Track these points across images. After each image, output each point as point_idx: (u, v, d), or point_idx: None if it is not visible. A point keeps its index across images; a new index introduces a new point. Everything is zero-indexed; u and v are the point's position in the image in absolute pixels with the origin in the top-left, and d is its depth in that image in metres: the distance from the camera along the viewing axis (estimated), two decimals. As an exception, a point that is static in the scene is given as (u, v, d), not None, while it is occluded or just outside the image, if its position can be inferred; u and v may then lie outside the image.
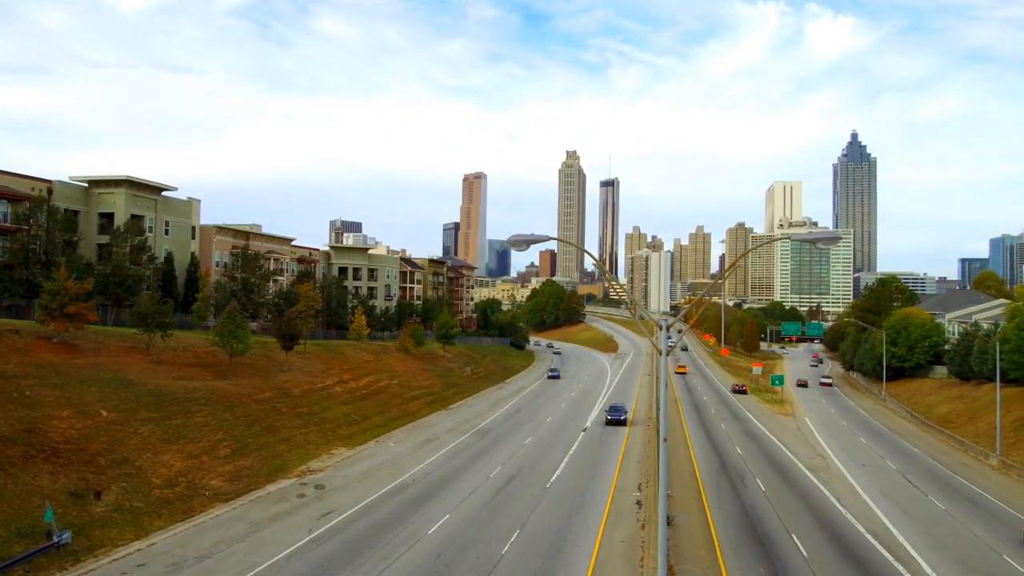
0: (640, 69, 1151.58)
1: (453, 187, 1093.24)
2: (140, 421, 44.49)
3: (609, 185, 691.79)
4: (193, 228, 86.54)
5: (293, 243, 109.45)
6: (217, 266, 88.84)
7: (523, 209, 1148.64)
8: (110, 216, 75.29)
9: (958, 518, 41.64)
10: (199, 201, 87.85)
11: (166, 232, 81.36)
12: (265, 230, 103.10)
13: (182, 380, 55.02)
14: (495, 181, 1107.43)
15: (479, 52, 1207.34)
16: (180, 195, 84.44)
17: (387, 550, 32.79)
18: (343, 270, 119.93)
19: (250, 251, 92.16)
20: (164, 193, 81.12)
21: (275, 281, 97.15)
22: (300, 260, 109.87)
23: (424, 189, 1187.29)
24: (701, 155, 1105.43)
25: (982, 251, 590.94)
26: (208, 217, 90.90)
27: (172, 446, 43.49)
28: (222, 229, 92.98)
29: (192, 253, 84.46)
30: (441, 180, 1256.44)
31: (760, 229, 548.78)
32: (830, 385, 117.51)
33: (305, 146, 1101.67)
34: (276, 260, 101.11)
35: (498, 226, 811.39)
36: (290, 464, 48.83)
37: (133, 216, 75.36)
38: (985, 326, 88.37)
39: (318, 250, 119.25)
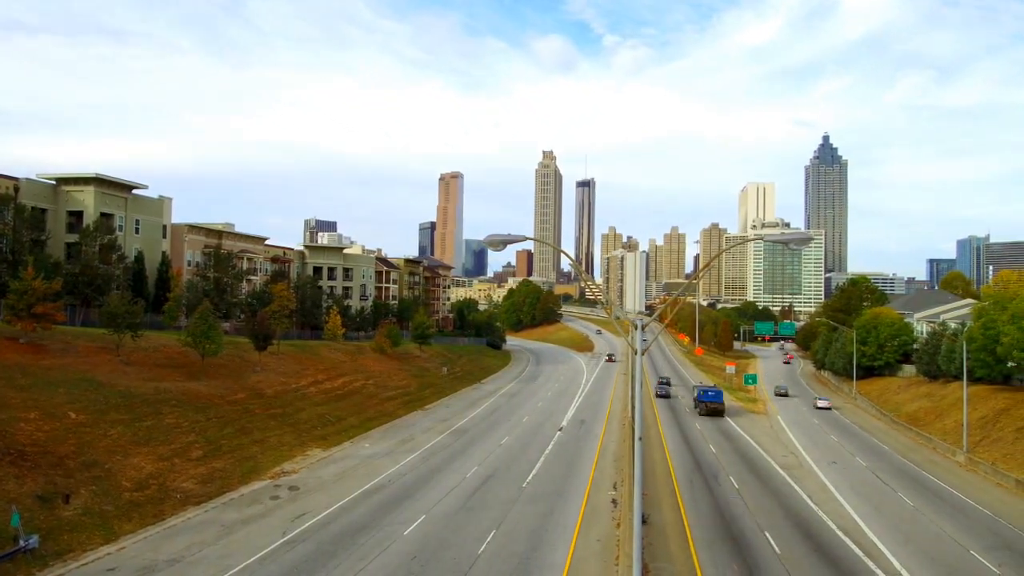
0: (631, 48, 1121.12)
1: (430, 181, 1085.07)
2: (110, 423, 43.72)
3: (585, 186, 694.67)
4: (164, 227, 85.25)
5: (267, 242, 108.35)
6: (189, 265, 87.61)
7: (501, 201, 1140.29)
8: (79, 214, 73.95)
9: (926, 514, 42.43)
10: (171, 199, 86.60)
11: (136, 231, 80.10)
12: (238, 229, 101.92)
13: (153, 381, 54.17)
14: (472, 173, 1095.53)
15: (456, 26, 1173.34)
16: (151, 193, 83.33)
17: (362, 551, 32.62)
18: (318, 270, 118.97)
19: (223, 250, 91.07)
20: (135, 191, 79.89)
21: (248, 281, 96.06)
22: (274, 259, 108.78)
23: (400, 182, 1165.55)
24: (683, 148, 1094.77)
25: (950, 252, 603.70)
26: (178, 213, 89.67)
27: (142, 448, 42.80)
28: (194, 228, 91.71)
29: (163, 252, 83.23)
30: (418, 171, 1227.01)
31: (734, 230, 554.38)
32: (829, 408, 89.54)
33: (275, 134, 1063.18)
34: (249, 259, 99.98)
35: (475, 223, 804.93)
36: (264, 466, 48.32)
37: (103, 214, 74.08)
38: (952, 326, 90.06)
39: (292, 249, 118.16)
